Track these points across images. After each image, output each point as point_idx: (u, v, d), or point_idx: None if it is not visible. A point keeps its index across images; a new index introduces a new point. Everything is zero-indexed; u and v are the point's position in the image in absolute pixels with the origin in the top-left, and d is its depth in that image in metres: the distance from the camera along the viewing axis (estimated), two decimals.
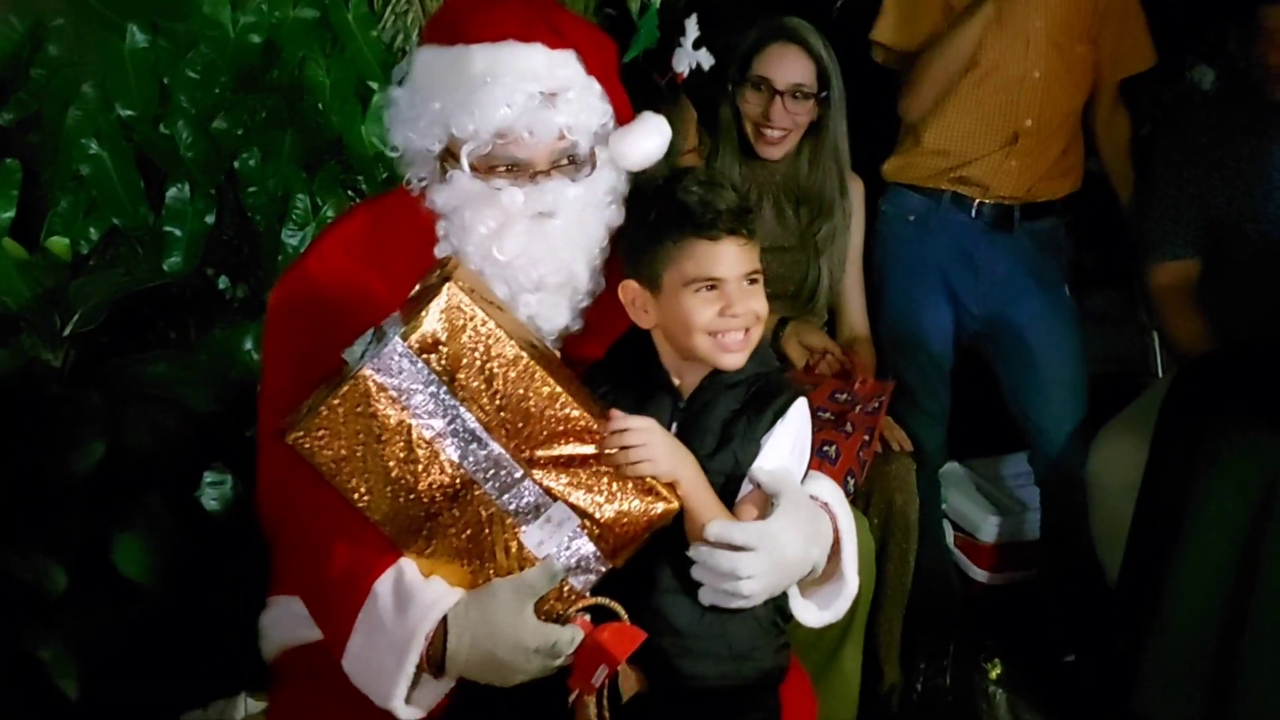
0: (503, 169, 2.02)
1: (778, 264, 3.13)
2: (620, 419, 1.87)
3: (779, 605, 2.03)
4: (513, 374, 1.82)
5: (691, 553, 1.90)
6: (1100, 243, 3.89)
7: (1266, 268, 3.12)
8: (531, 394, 1.83)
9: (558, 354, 1.94)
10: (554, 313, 2.06)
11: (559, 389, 1.84)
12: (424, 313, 1.79)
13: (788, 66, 3.13)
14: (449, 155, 2.03)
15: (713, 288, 1.93)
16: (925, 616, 3.24)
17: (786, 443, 1.99)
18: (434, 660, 1.87)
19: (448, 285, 1.79)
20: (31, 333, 2.45)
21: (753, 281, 1.96)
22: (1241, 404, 2.82)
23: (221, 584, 2.47)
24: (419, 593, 1.88)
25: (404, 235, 2.09)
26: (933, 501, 3.46)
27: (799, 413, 2.00)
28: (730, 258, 1.93)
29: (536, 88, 1.99)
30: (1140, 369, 3.84)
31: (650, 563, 1.94)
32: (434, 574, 1.91)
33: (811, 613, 2.07)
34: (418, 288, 1.89)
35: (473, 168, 2.01)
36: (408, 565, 1.91)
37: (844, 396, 3.04)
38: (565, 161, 2.03)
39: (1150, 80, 3.67)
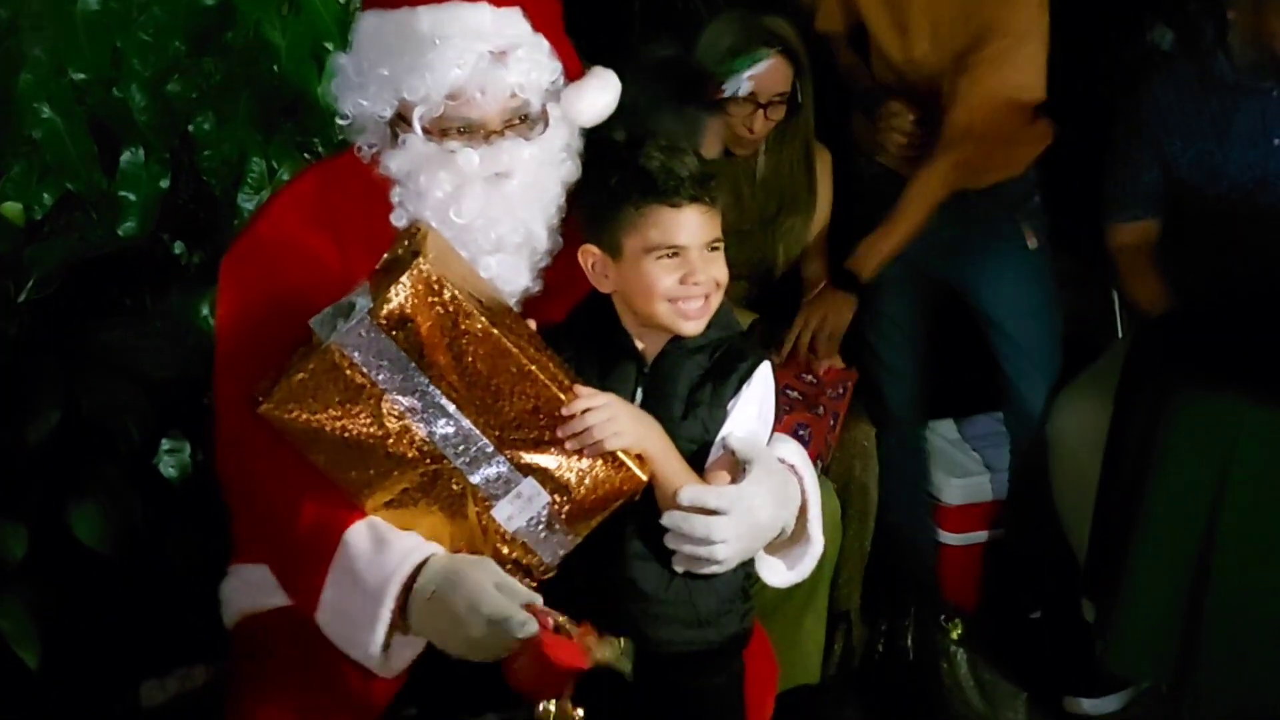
0: (456, 131, 2.00)
1: (734, 248, 3.09)
2: (583, 398, 1.86)
3: (746, 571, 2.04)
4: (482, 350, 1.81)
5: (665, 519, 1.90)
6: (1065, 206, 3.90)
7: (1226, 228, 3.13)
8: (501, 371, 1.83)
9: (531, 324, 1.92)
10: (514, 274, 2.06)
11: (529, 365, 1.83)
12: (392, 289, 1.77)
13: (772, 78, 3.10)
14: (400, 120, 2.02)
15: (674, 255, 1.92)
16: (887, 578, 3.27)
17: (754, 408, 1.99)
18: (399, 612, 1.87)
19: (416, 260, 1.78)
20: None
21: (714, 249, 1.95)
22: (1201, 364, 2.84)
23: (181, 552, 2.46)
24: (394, 540, 1.89)
25: (356, 198, 2.08)
26: (912, 462, 3.48)
27: (764, 377, 2.00)
28: (693, 225, 1.92)
29: (485, 47, 1.97)
30: (1103, 329, 3.85)
31: (619, 529, 1.95)
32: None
33: (779, 573, 2.09)
34: (386, 257, 1.88)
35: (425, 130, 2.00)
36: (378, 519, 1.92)
37: (810, 378, 3.06)
38: (518, 120, 2.02)
39: (1110, 41, 3.66)
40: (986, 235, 3.39)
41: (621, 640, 1.83)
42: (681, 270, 1.92)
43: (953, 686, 3.05)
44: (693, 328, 1.95)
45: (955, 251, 3.38)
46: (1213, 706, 2.84)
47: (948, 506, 3.51)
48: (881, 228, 3.19)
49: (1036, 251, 3.41)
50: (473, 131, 2.00)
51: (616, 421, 1.87)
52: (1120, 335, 3.70)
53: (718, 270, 1.95)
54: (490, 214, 2.01)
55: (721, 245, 1.97)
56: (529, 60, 2.01)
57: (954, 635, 3.07)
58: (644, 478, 1.89)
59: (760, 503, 1.92)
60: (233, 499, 2.11)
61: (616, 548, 1.96)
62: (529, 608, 1.81)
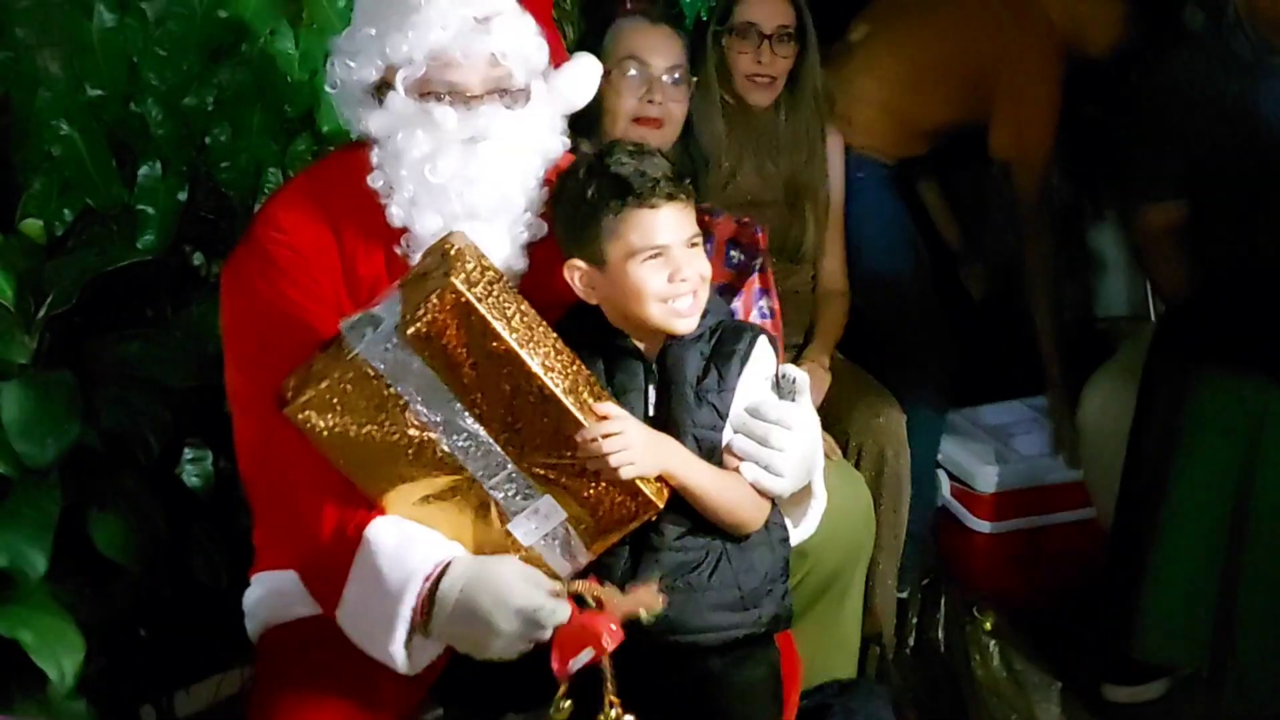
0: (435, 96, 2.03)
1: (760, 219, 3.11)
2: (599, 425, 1.88)
3: (784, 553, 2.08)
4: (506, 370, 1.83)
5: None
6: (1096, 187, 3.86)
7: (1250, 210, 3.08)
8: (524, 392, 1.84)
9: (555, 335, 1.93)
10: (493, 245, 2.06)
11: (552, 388, 1.84)
12: (420, 308, 1.79)
13: (772, 9, 3.11)
14: (385, 86, 2.06)
15: (658, 255, 1.95)
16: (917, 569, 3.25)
17: (761, 381, 2.04)
18: (422, 612, 1.89)
19: (449, 281, 1.79)
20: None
21: (694, 244, 1.98)
22: (1225, 347, 2.81)
23: (206, 560, 2.48)
24: (418, 537, 1.92)
25: (341, 187, 2.11)
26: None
27: (764, 350, 2.04)
28: (672, 224, 1.96)
29: (469, 12, 2.03)
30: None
31: (658, 516, 1.96)
32: None
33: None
34: (416, 270, 1.90)
35: (407, 92, 2.04)
36: (400, 517, 1.94)
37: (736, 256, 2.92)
38: (499, 92, 2.05)
39: (1145, 21, 3.62)
40: None
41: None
42: (668, 269, 1.96)
43: (985, 678, 3.03)
44: (685, 325, 1.99)
45: None
46: (1256, 691, 2.81)
47: (981, 494, 3.48)
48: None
49: None
50: (455, 96, 2.04)
51: (631, 451, 1.89)
52: (1152, 319, 3.66)
53: (701, 264, 1.99)
54: (465, 175, 2.03)
55: (700, 240, 1.99)
56: (510, 29, 2.06)
57: (986, 626, 3.05)
58: (660, 504, 1.92)
59: (811, 421, 2.05)
60: (254, 500, 2.13)
61: (658, 533, 1.98)
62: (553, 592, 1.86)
